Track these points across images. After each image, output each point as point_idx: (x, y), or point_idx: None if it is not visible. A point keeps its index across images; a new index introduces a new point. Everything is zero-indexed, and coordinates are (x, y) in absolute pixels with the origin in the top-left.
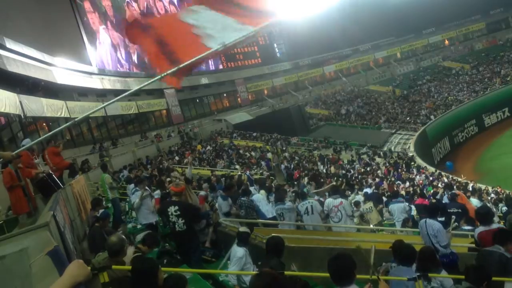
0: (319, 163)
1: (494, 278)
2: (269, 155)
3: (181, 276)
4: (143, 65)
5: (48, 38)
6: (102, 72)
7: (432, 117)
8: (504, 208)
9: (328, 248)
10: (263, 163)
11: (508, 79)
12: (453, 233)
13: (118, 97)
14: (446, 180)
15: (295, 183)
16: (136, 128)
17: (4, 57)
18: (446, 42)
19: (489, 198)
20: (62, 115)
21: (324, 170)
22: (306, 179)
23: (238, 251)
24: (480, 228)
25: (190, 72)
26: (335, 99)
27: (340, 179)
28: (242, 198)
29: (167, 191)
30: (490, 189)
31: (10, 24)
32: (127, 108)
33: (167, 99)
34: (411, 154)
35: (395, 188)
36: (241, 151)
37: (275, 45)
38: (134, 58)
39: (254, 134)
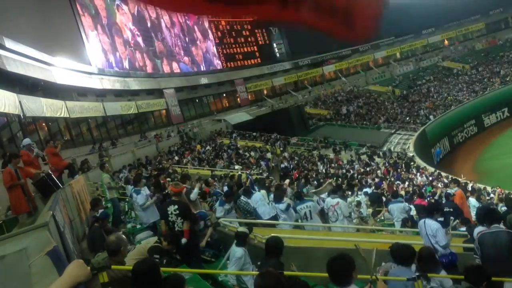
0: (318, 163)
1: (493, 278)
2: (269, 155)
3: (179, 276)
4: (135, 70)
5: (47, 37)
6: (101, 72)
7: (431, 117)
8: (504, 208)
9: (328, 248)
10: (262, 163)
11: (507, 79)
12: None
13: None
14: (445, 180)
15: (295, 182)
16: (135, 128)
17: (3, 57)
18: (446, 42)
19: (487, 198)
20: (62, 115)
21: (324, 170)
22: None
23: (237, 251)
24: (480, 228)
25: None
26: (334, 99)
27: (340, 179)
28: (242, 199)
29: (167, 191)
30: (489, 189)
31: (10, 24)
32: (126, 108)
33: (166, 99)
34: (411, 154)
35: (395, 188)
36: (240, 151)
37: (274, 45)
38: (126, 63)
39: (254, 134)
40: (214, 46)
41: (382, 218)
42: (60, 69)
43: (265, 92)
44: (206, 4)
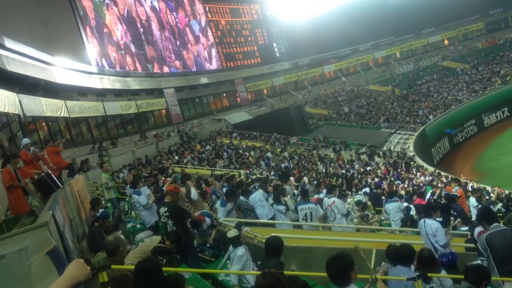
0: (318, 163)
1: (493, 278)
2: (269, 154)
3: (179, 275)
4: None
5: (47, 37)
6: (101, 71)
7: (431, 117)
8: (502, 208)
9: (327, 248)
10: (262, 162)
11: (507, 78)
12: (452, 233)
13: None
14: (445, 180)
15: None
16: (135, 128)
17: (3, 57)
18: (446, 42)
19: (487, 198)
20: (62, 115)
21: (324, 170)
22: (305, 178)
23: (238, 250)
24: (480, 228)
25: None
26: (334, 99)
27: (340, 179)
28: (241, 199)
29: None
30: (489, 189)
31: (10, 24)
32: (126, 107)
33: (166, 99)
34: (411, 154)
35: (395, 188)
36: (240, 151)
37: (274, 44)
38: (117, 68)
39: (254, 133)
40: (206, 50)
41: (383, 218)
42: (60, 69)
43: (265, 91)
44: None
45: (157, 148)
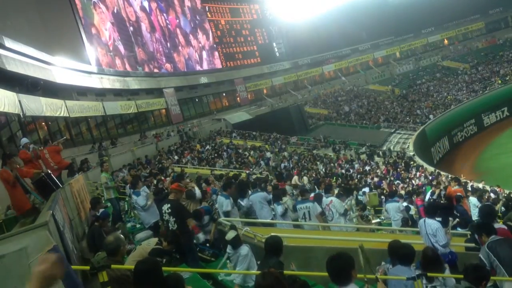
0: (318, 162)
1: (492, 278)
2: (269, 154)
3: (178, 275)
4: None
5: (47, 37)
6: (101, 71)
7: (431, 116)
8: (502, 208)
9: (327, 247)
10: (262, 162)
11: (507, 78)
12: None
13: None
14: (444, 179)
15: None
16: (135, 128)
17: (3, 56)
18: (445, 41)
19: (486, 197)
20: (61, 115)
21: (324, 170)
22: (305, 178)
23: (242, 249)
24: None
25: None
26: (334, 99)
27: (340, 178)
28: (240, 201)
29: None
30: (489, 188)
31: (9, 23)
32: (126, 107)
33: (166, 99)
34: (410, 154)
35: (394, 188)
36: (240, 151)
37: (274, 44)
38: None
39: (254, 133)
40: (197, 52)
41: (383, 218)
42: (59, 69)
43: (264, 91)
44: None
45: (157, 148)
